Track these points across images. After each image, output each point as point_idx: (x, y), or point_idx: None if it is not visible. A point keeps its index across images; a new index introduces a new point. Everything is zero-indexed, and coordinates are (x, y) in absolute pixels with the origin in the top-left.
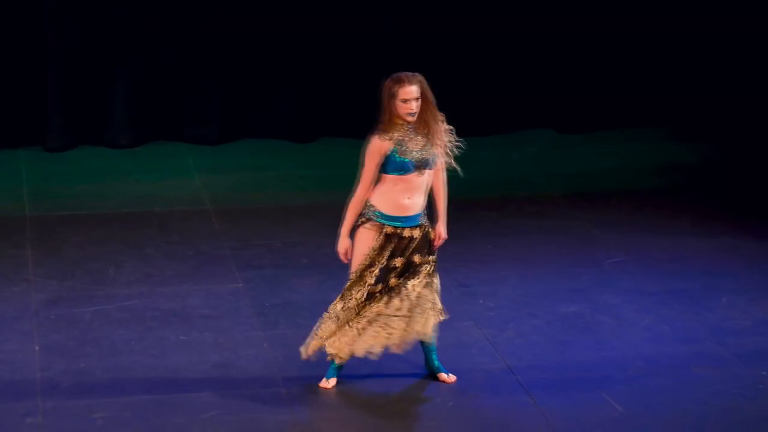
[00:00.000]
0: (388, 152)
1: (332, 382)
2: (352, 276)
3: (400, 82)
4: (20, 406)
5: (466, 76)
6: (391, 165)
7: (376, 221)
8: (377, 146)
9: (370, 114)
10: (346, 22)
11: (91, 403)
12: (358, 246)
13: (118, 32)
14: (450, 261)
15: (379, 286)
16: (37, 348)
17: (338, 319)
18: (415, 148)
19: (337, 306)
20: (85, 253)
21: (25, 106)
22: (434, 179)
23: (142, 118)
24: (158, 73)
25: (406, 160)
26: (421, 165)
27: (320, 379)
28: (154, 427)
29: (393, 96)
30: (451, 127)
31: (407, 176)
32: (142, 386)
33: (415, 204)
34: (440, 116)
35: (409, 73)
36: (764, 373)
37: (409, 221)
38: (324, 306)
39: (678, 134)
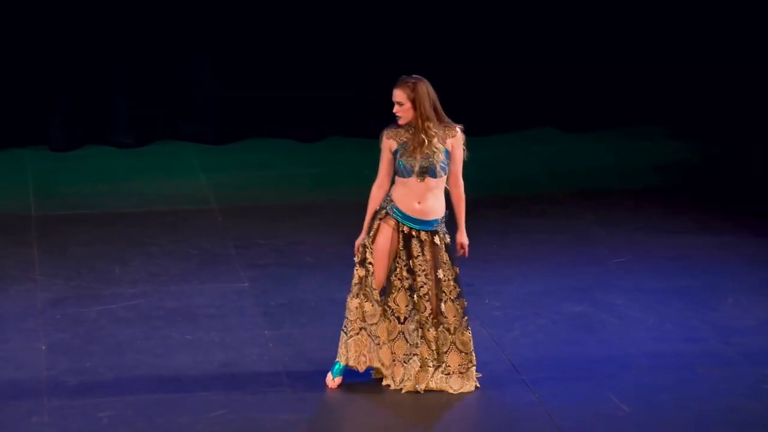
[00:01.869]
0: (394, 150)
1: (337, 381)
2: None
3: (395, 83)
4: (26, 405)
5: (469, 75)
6: (396, 166)
7: (393, 217)
8: (382, 141)
9: (377, 114)
10: (350, 21)
11: (97, 401)
12: (379, 241)
13: (122, 32)
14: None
15: (407, 283)
16: (42, 347)
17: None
18: (416, 154)
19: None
20: (90, 252)
21: (30, 105)
22: (452, 188)
23: (146, 117)
24: (163, 72)
25: (407, 164)
26: (423, 172)
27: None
28: (159, 426)
29: None
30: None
31: (409, 180)
32: (147, 385)
33: (428, 209)
34: (434, 128)
35: (408, 77)
36: None
37: (425, 225)
38: (329, 305)
39: (679, 132)
